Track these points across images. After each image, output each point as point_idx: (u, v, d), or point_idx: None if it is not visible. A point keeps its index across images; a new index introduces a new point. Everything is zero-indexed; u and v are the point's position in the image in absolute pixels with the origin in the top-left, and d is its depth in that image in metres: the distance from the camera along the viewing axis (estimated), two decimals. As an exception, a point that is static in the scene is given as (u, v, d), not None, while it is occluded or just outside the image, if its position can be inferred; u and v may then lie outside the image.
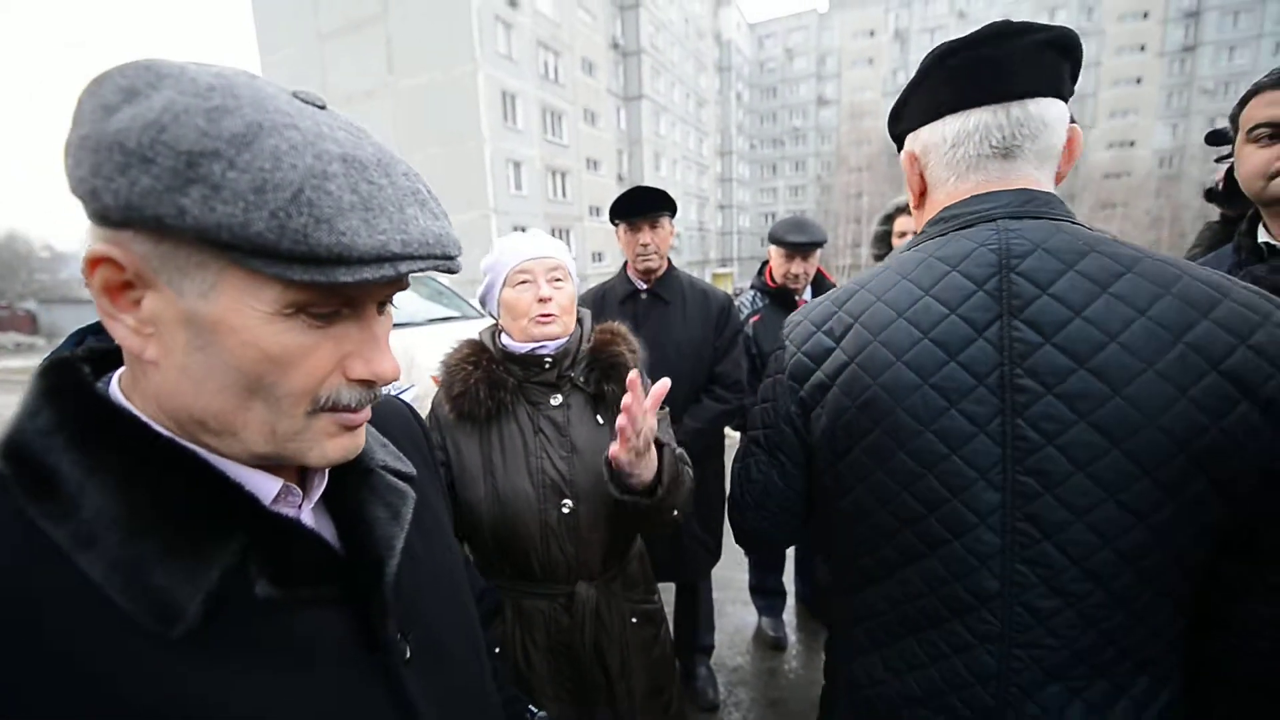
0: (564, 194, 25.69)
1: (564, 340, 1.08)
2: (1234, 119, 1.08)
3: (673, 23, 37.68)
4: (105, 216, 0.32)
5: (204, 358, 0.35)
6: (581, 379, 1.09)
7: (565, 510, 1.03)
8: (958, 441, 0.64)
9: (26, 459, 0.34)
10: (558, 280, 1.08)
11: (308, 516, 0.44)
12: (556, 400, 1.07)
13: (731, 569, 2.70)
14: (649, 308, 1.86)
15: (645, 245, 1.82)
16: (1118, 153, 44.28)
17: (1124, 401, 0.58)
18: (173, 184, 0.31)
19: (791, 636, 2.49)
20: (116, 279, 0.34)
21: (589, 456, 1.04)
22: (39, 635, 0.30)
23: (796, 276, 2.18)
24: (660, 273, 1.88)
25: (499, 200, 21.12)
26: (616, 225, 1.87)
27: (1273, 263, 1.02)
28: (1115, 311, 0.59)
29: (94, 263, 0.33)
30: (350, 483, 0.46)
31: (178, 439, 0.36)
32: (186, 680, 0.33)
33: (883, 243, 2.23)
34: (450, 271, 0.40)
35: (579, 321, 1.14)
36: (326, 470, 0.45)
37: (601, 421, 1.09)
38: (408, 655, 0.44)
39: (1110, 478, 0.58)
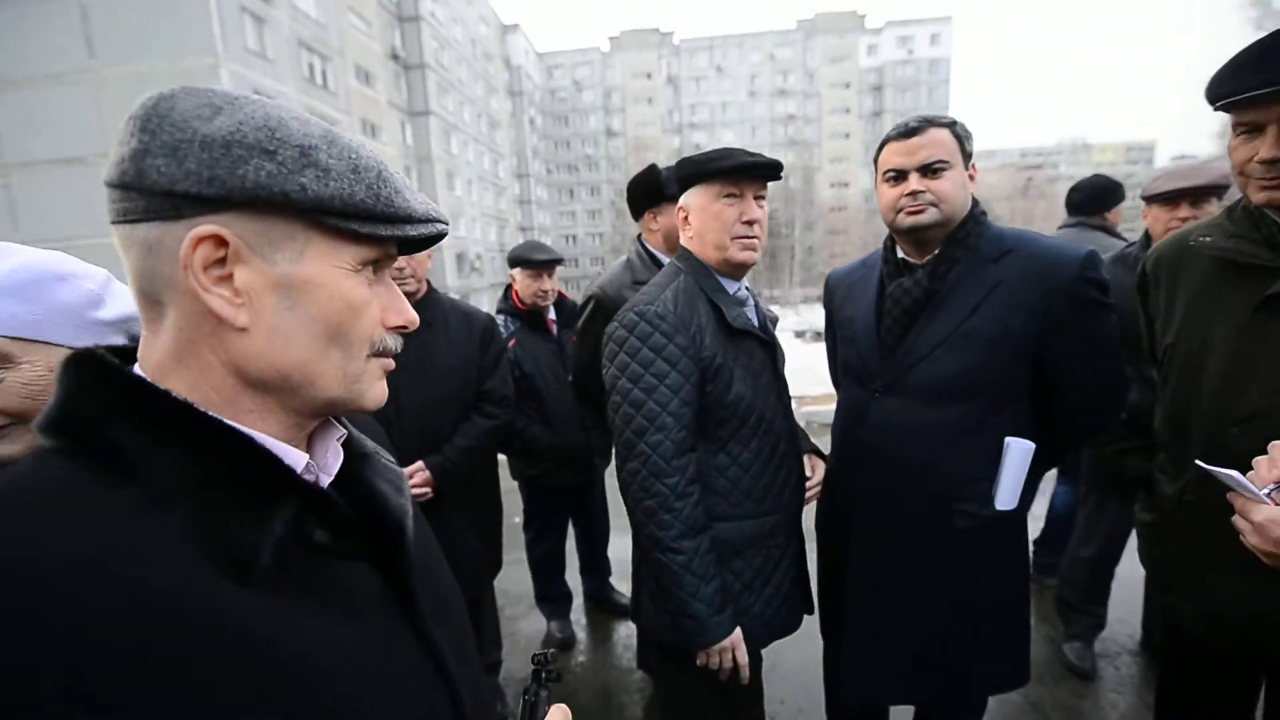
0: (343, 211, 23.17)
1: None
2: (875, 163, 1.31)
3: (458, 41, 36.85)
4: (224, 199, 0.39)
5: (293, 315, 0.42)
6: None
7: None
8: None
9: (86, 433, 0.38)
10: None
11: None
12: None
13: (511, 583, 2.75)
14: (410, 332, 1.83)
15: (400, 269, 1.77)
16: (838, 191, 55.62)
17: None
18: (294, 169, 0.40)
19: (581, 634, 2.60)
20: (212, 256, 0.39)
21: None
22: (137, 581, 0.33)
23: (545, 294, 2.31)
24: (420, 296, 1.86)
25: (258, 216, 18.18)
26: None
27: (913, 276, 1.26)
28: None
29: (197, 241, 0.39)
30: (355, 463, 0.52)
31: (221, 416, 0.40)
32: (267, 620, 0.37)
33: None
34: (443, 235, 0.50)
35: None
36: (340, 448, 0.51)
37: None
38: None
39: None
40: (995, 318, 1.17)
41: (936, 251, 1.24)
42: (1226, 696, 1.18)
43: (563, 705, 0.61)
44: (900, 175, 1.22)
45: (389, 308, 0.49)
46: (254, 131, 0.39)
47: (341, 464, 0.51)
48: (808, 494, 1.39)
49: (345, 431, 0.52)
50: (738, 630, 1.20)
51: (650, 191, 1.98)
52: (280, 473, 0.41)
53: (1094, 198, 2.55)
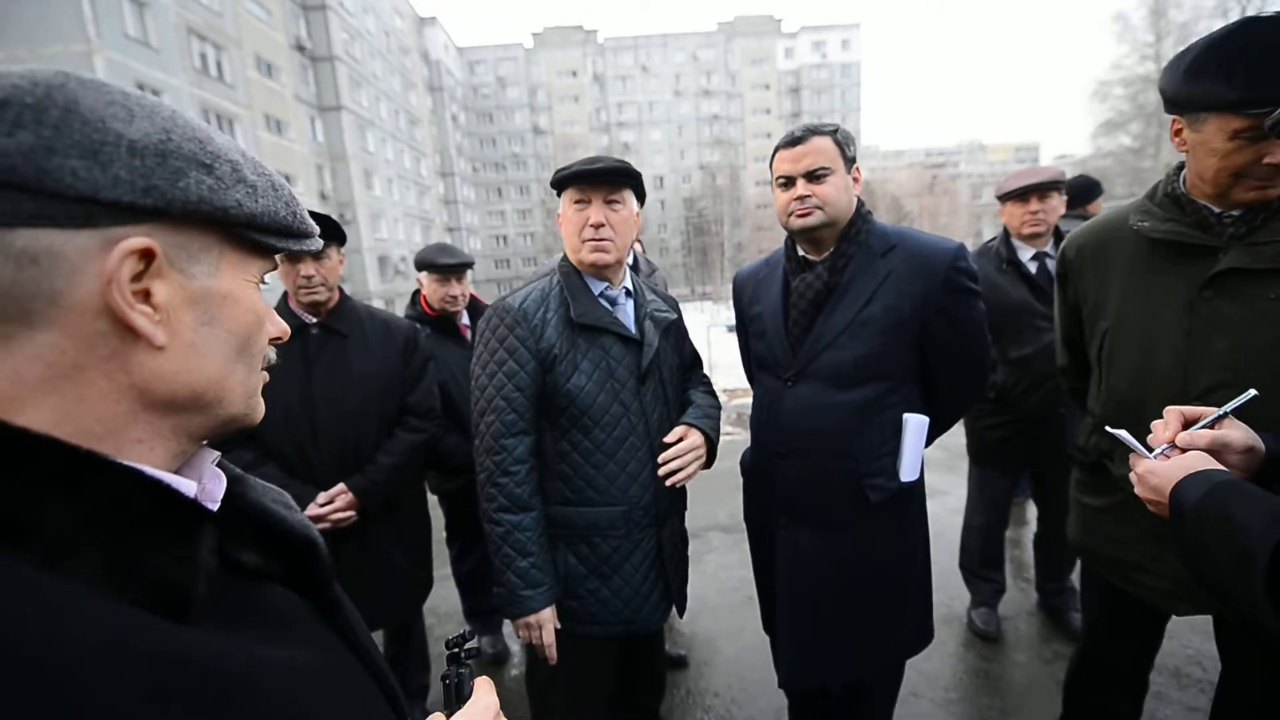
0: (248, 213, 21.47)
1: None
2: (770, 168, 1.38)
3: (370, 33, 35.02)
4: (157, 211, 0.36)
5: (210, 331, 0.41)
6: None
7: None
8: None
9: None
10: None
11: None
12: None
13: (439, 600, 2.68)
14: (323, 342, 1.70)
15: (309, 278, 1.66)
16: (763, 189, 57.29)
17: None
18: (230, 184, 0.40)
19: (513, 646, 2.52)
20: (135, 270, 0.36)
21: None
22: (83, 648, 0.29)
23: (454, 299, 2.25)
24: (333, 304, 1.74)
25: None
26: None
27: (814, 271, 1.34)
28: None
29: (126, 255, 0.35)
30: (235, 486, 0.48)
31: (99, 450, 0.36)
32: (224, 654, 0.34)
33: None
34: (316, 248, 0.51)
35: None
36: (220, 472, 0.47)
37: None
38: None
39: None
40: (888, 305, 1.29)
41: (832, 249, 1.34)
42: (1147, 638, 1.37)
43: (485, 678, 0.60)
44: (789, 181, 1.31)
45: (269, 318, 0.48)
46: (186, 142, 0.38)
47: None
48: (662, 469, 1.35)
49: (219, 454, 0.48)
50: (549, 610, 1.29)
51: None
52: (185, 504, 0.38)
53: (1081, 193, 3.11)
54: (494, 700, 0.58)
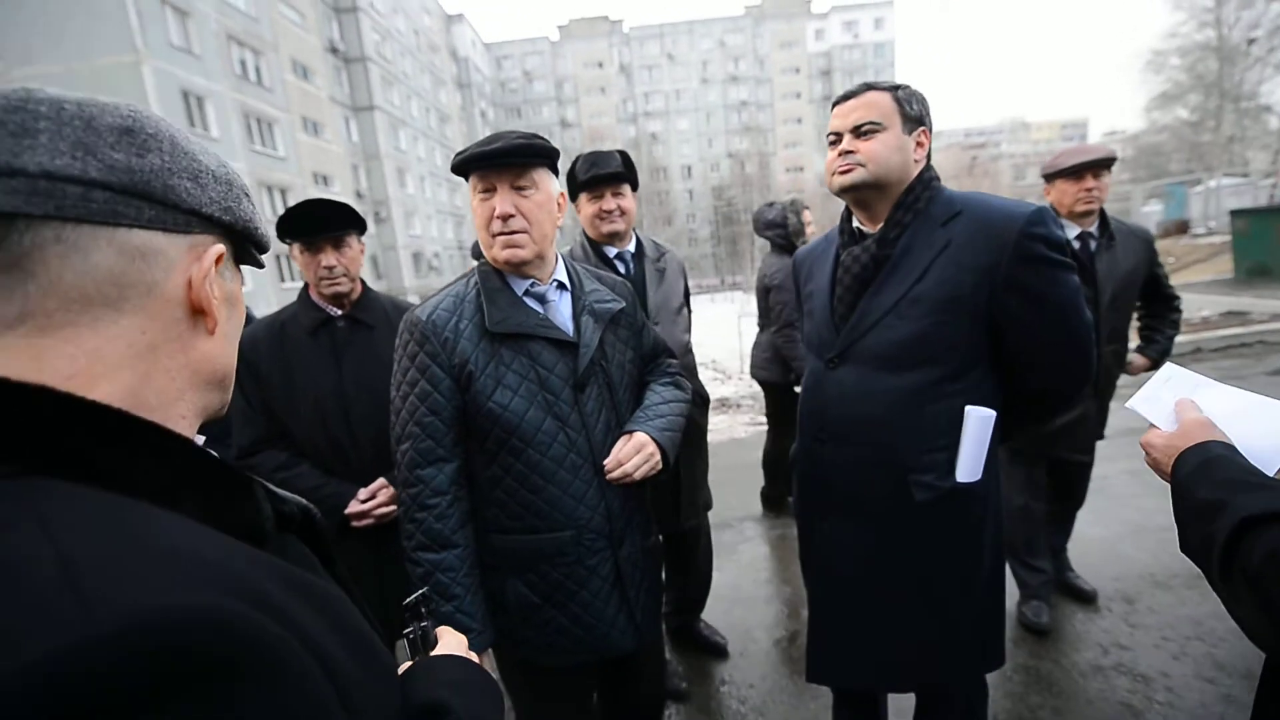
0: (288, 213, 22.20)
1: None
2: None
3: (400, 32, 35.60)
4: (227, 226, 0.48)
5: (233, 323, 0.51)
6: None
7: None
8: None
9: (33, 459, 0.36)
10: None
11: None
12: None
13: None
14: (350, 334, 1.67)
15: (330, 269, 1.61)
16: (794, 175, 56.29)
17: None
18: (255, 210, 0.52)
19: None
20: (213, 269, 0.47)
21: None
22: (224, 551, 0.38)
23: None
24: (355, 296, 1.70)
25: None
26: (289, 244, 1.63)
27: (863, 244, 1.26)
28: None
29: (217, 257, 0.47)
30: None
31: (160, 423, 0.42)
32: (291, 567, 0.43)
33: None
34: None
35: None
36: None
37: None
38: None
39: None
40: (944, 280, 1.16)
41: (886, 219, 1.23)
42: None
43: (446, 627, 0.66)
44: (838, 137, 1.24)
45: None
46: (234, 175, 0.50)
47: None
48: (608, 474, 1.18)
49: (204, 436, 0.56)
50: (484, 657, 1.14)
51: (570, 180, 1.93)
52: (234, 468, 0.46)
53: None
54: (463, 638, 0.65)
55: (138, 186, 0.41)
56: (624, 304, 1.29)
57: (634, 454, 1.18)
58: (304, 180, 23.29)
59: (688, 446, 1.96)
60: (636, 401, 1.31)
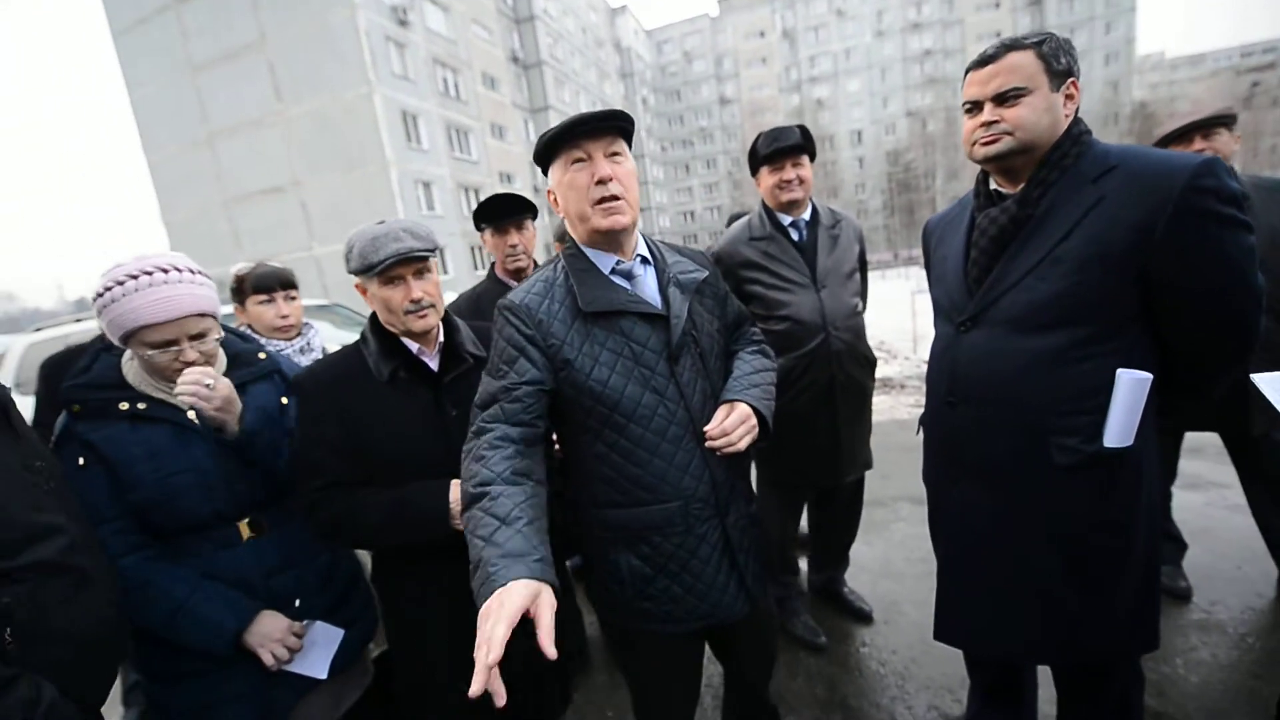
0: (480, 210, 25.33)
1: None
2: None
3: (570, 33, 38.01)
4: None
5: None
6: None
7: None
8: None
9: (365, 340, 1.39)
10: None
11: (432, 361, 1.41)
12: None
13: None
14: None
15: (514, 246, 2.06)
16: (989, 130, 48.61)
17: None
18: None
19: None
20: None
21: None
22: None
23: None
24: (530, 272, 1.98)
25: (412, 222, 20.62)
26: (482, 230, 2.09)
27: (1001, 205, 1.23)
28: None
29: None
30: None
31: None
32: (390, 400, 1.33)
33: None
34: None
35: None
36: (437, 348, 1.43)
37: None
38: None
39: None
40: (1092, 237, 1.10)
41: (1029, 179, 1.19)
42: None
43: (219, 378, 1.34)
44: (976, 106, 1.20)
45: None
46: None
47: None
48: (708, 442, 1.16)
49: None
50: (520, 584, 0.88)
51: (751, 156, 2.07)
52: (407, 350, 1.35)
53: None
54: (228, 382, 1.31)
55: (354, 261, 1.32)
56: (707, 273, 1.29)
57: (738, 424, 1.17)
58: (492, 180, 26.36)
59: (851, 405, 2.05)
60: (725, 370, 1.31)
